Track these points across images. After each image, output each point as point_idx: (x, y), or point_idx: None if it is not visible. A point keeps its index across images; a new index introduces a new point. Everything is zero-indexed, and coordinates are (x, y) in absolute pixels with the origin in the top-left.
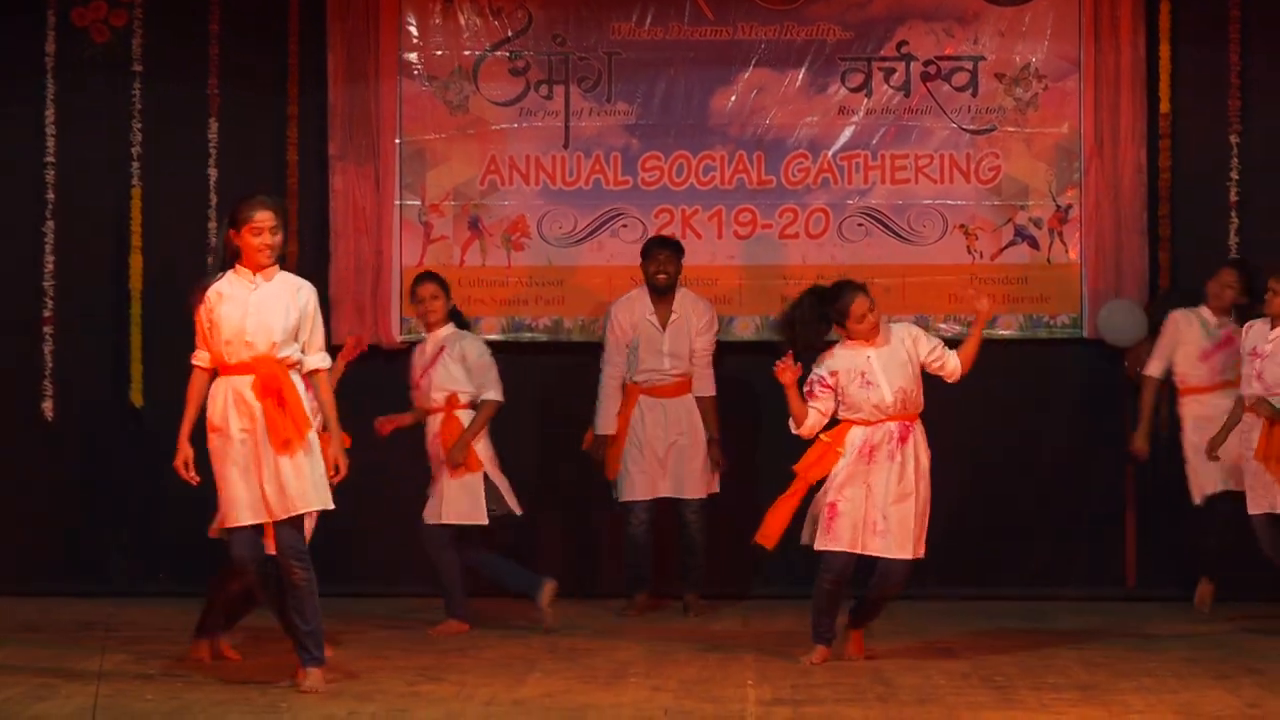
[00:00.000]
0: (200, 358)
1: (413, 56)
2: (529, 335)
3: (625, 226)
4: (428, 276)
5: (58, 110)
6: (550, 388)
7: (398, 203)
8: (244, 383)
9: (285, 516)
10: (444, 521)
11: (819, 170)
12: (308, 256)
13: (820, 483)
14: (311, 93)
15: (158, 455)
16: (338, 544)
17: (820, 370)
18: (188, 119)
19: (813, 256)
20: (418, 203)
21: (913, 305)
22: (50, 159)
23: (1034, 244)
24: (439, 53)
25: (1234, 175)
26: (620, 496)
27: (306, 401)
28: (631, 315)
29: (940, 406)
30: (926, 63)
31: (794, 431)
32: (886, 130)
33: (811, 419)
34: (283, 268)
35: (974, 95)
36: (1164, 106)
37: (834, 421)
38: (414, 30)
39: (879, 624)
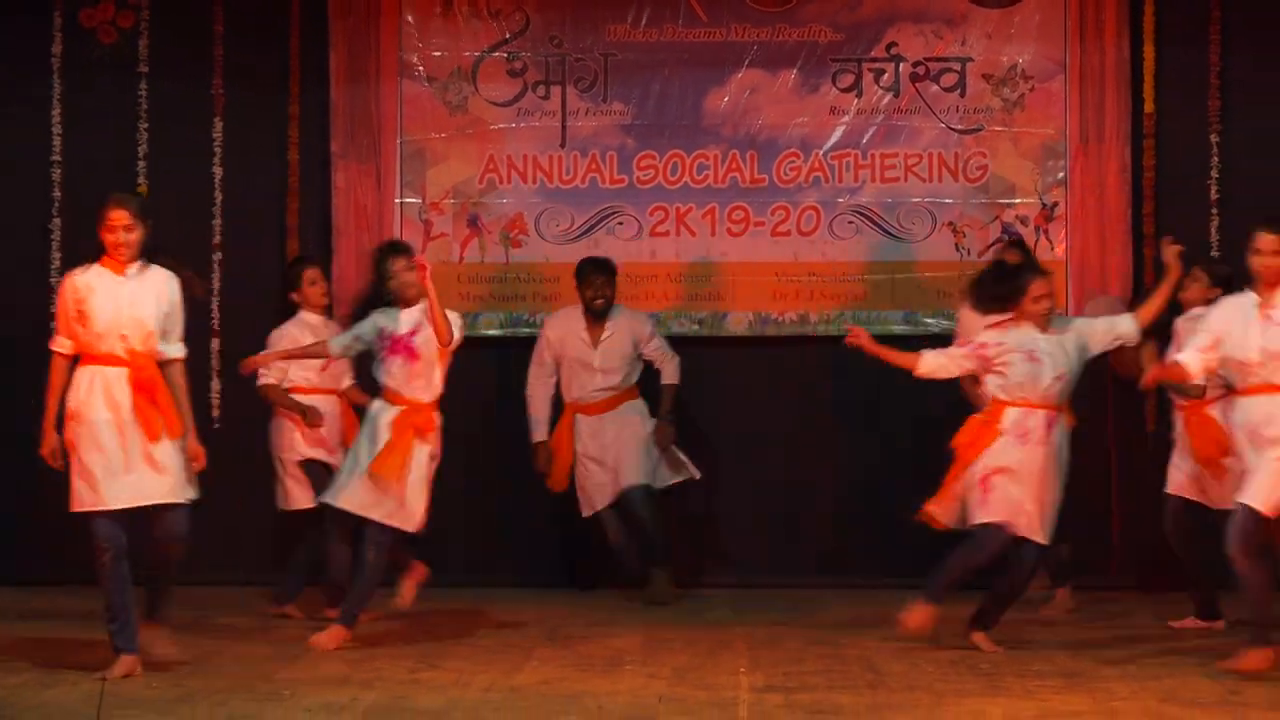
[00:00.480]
0: (62, 344)
1: (413, 58)
2: (526, 330)
3: (621, 224)
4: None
5: (64, 110)
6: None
7: (398, 200)
8: (115, 374)
9: (161, 502)
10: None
11: (810, 169)
12: (311, 252)
13: None
14: (314, 93)
15: None
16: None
17: (985, 337)
18: (192, 118)
19: (804, 253)
20: (418, 200)
21: (901, 302)
22: (57, 157)
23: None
24: (438, 54)
25: (1215, 174)
26: (585, 512)
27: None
28: (562, 333)
29: (934, 397)
30: (915, 64)
31: (917, 374)
32: (876, 130)
33: (930, 362)
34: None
35: (962, 96)
36: (1148, 107)
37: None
38: (414, 32)
39: (870, 612)
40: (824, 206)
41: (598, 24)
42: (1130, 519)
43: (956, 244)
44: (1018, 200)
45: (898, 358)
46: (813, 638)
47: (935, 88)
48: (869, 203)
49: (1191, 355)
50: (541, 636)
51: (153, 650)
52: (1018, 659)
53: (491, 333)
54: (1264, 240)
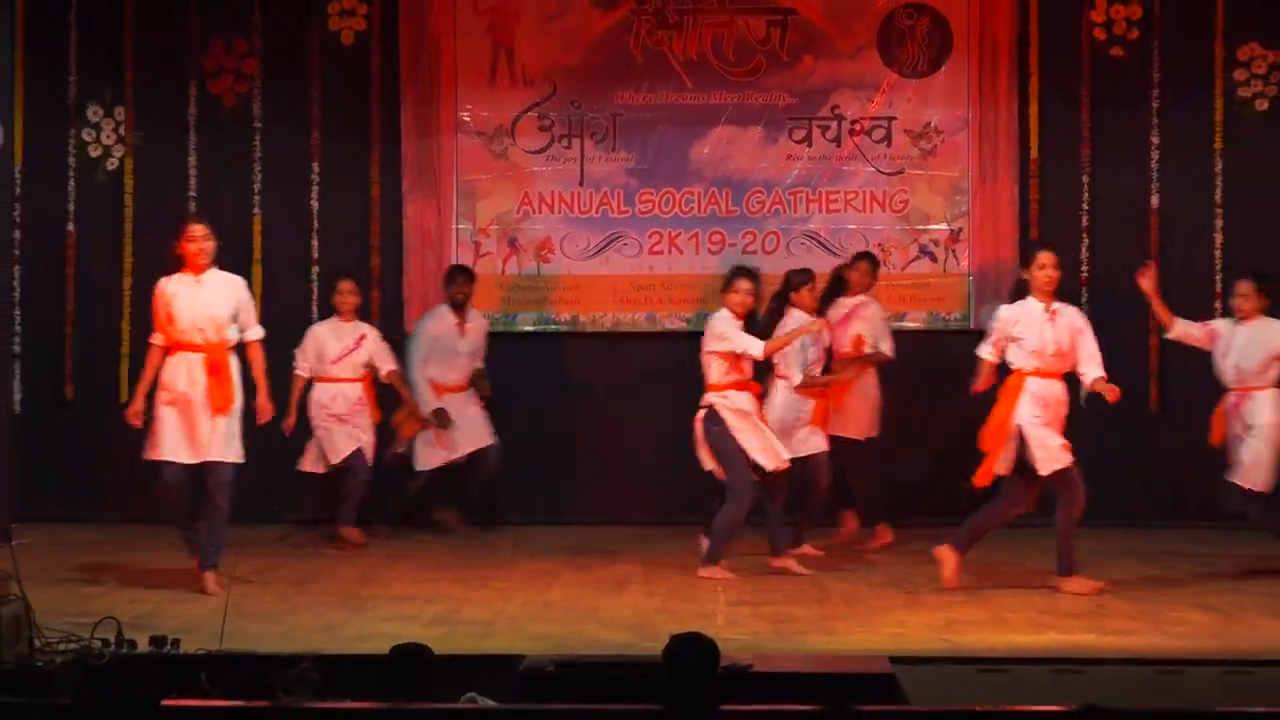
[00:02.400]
0: (157, 339)
1: (465, 116)
2: (553, 327)
3: (625, 245)
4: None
5: (199, 157)
6: (569, 366)
7: (455, 226)
8: (196, 360)
9: (214, 459)
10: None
11: (772, 202)
12: (387, 267)
13: None
14: (389, 143)
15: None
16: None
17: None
18: (295, 163)
19: (768, 267)
20: (470, 226)
21: None
22: (192, 194)
23: (933, 258)
24: (485, 114)
25: (1085, 206)
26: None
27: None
28: (440, 326)
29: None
30: (853, 122)
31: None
32: (823, 173)
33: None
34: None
35: (889, 146)
36: (1032, 153)
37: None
38: (466, 97)
39: (824, 545)
40: (783, 231)
41: (609, 91)
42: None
43: (884, 260)
44: (932, 226)
45: (1160, 311)
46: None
47: (868, 140)
48: (817, 229)
49: (986, 347)
50: (565, 564)
51: (205, 587)
52: (933, 580)
53: (527, 329)
54: (1044, 256)
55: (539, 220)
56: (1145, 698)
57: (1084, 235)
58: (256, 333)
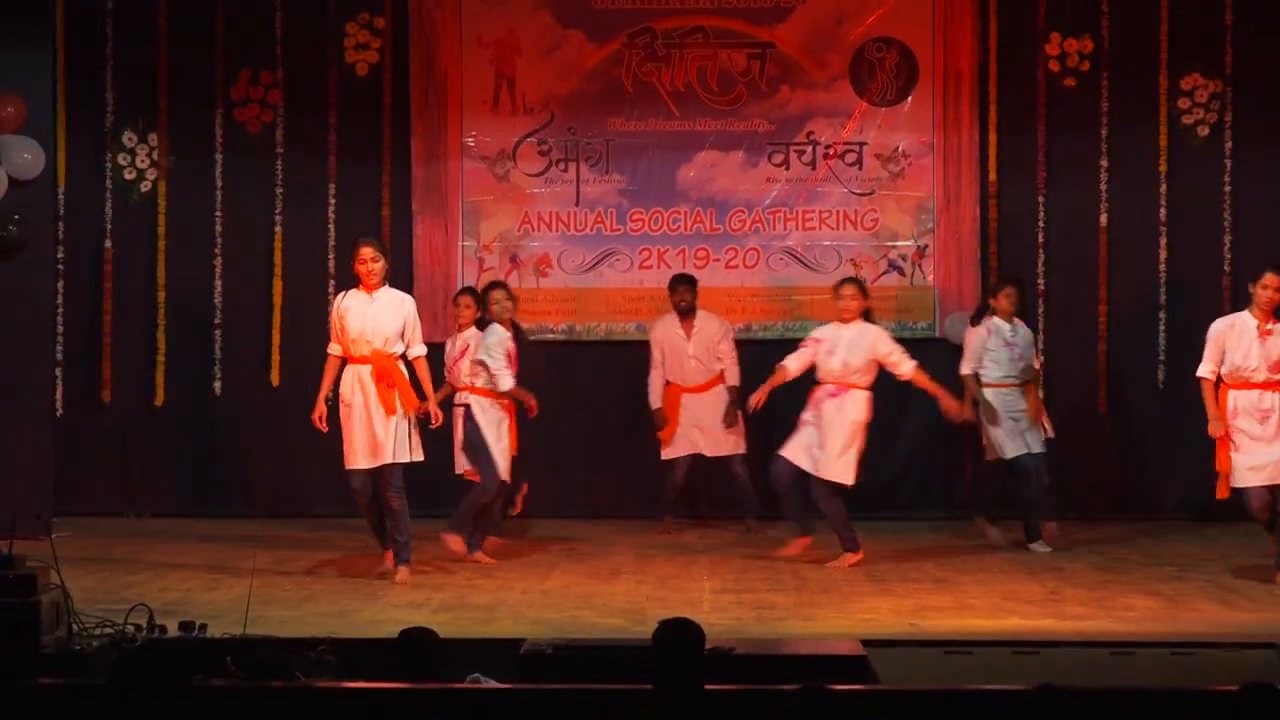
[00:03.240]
0: (333, 349)
1: (470, 142)
2: (550, 336)
3: (618, 260)
4: (467, 290)
5: (224, 179)
6: (567, 372)
7: (460, 244)
8: (365, 370)
9: (389, 462)
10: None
11: (753, 221)
12: (398, 281)
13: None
14: (400, 167)
15: (287, 419)
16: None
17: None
18: (314, 185)
19: (749, 281)
20: (474, 244)
21: (818, 315)
22: (219, 213)
23: (901, 273)
24: (488, 139)
25: (1040, 224)
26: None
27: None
28: (666, 331)
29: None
30: (827, 147)
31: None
32: (799, 194)
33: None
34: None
35: (860, 169)
36: (991, 176)
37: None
38: (471, 124)
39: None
40: (762, 248)
41: (603, 118)
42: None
43: (855, 274)
44: (900, 243)
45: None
46: (755, 555)
47: (841, 163)
48: (794, 245)
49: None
50: (562, 553)
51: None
52: (900, 570)
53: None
54: (1270, 278)
55: (538, 238)
56: (1099, 677)
57: (1039, 252)
58: (419, 350)
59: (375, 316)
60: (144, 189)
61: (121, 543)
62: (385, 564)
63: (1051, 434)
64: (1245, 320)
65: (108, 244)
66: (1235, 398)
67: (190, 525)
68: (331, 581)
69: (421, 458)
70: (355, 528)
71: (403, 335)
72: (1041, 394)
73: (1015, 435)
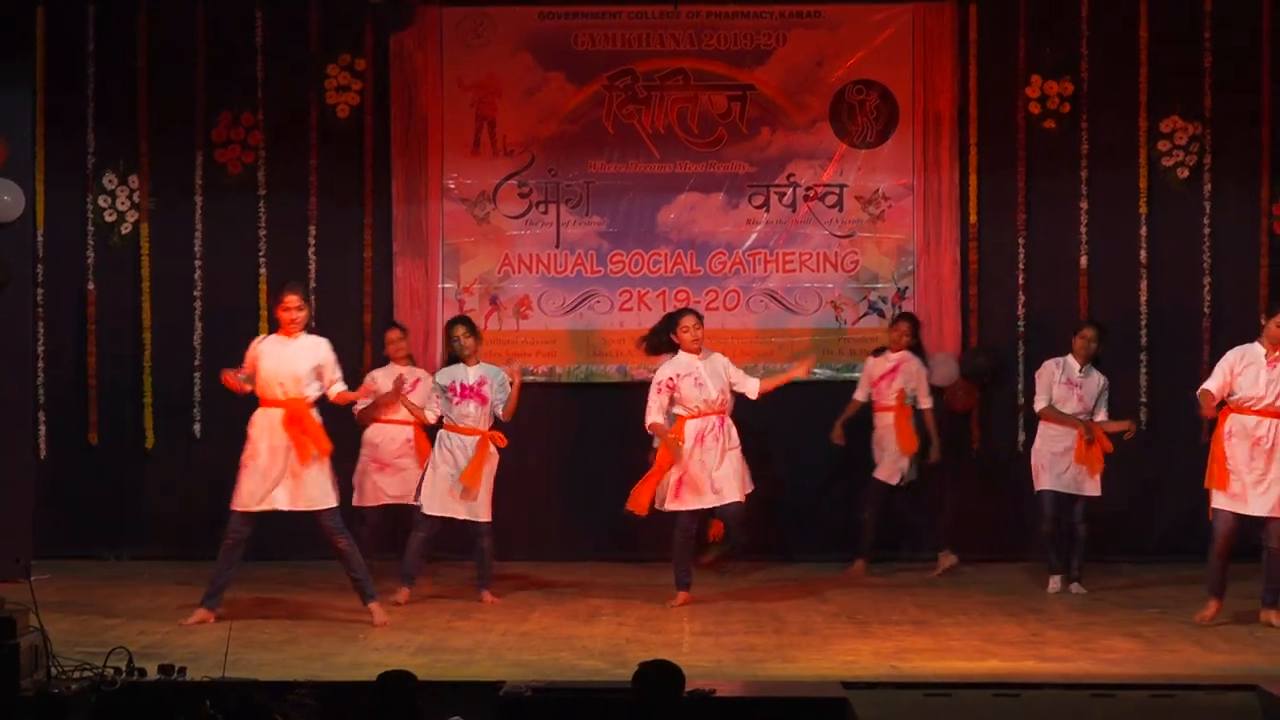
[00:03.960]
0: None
1: (451, 184)
2: (531, 378)
3: (598, 302)
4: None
5: (205, 220)
6: (548, 414)
7: (441, 286)
8: (276, 415)
9: (306, 509)
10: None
11: (733, 263)
12: (378, 323)
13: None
14: (381, 208)
15: None
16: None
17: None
18: (295, 226)
19: (730, 323)
20: (454, 286)
21: (798, 357)
22: (200, 254)
23: (881, 314)
24: (469, 181)
25: (1021, 266)
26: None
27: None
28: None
29: (821, 417)
30: (808, 189)
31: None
32: (779, 235)
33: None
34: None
35: (840, 211)
36: (972, 218)
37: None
38: (452, 166)
39: (776, 578)
40: (743, 290)
41: (583, 160)
42: (964, 506)
43: (836, 316)
44: (880, 285)
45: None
46: (735, 597)
47: (822, 205)
48: (774, 287)
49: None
50: (541, 596)
51: (373, 617)
52: (881, 611)
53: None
54: (1081, 334)
55: (518, 280)
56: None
57: (1020, 293)
58: (339, 387)
59: (289, 359)
60: (125, 231)
61: (101, 586)
62: (378, 616)
63: (1099, 492)
64: (1255, 350)
65: (90, 285)
66: (1233, 421)
67: (169, 568)
68: (311, 624)
69: (335, 503)
70: (335, 568)
71: (321, 377)
72: (1106, 448)
73: (1050, 470)
